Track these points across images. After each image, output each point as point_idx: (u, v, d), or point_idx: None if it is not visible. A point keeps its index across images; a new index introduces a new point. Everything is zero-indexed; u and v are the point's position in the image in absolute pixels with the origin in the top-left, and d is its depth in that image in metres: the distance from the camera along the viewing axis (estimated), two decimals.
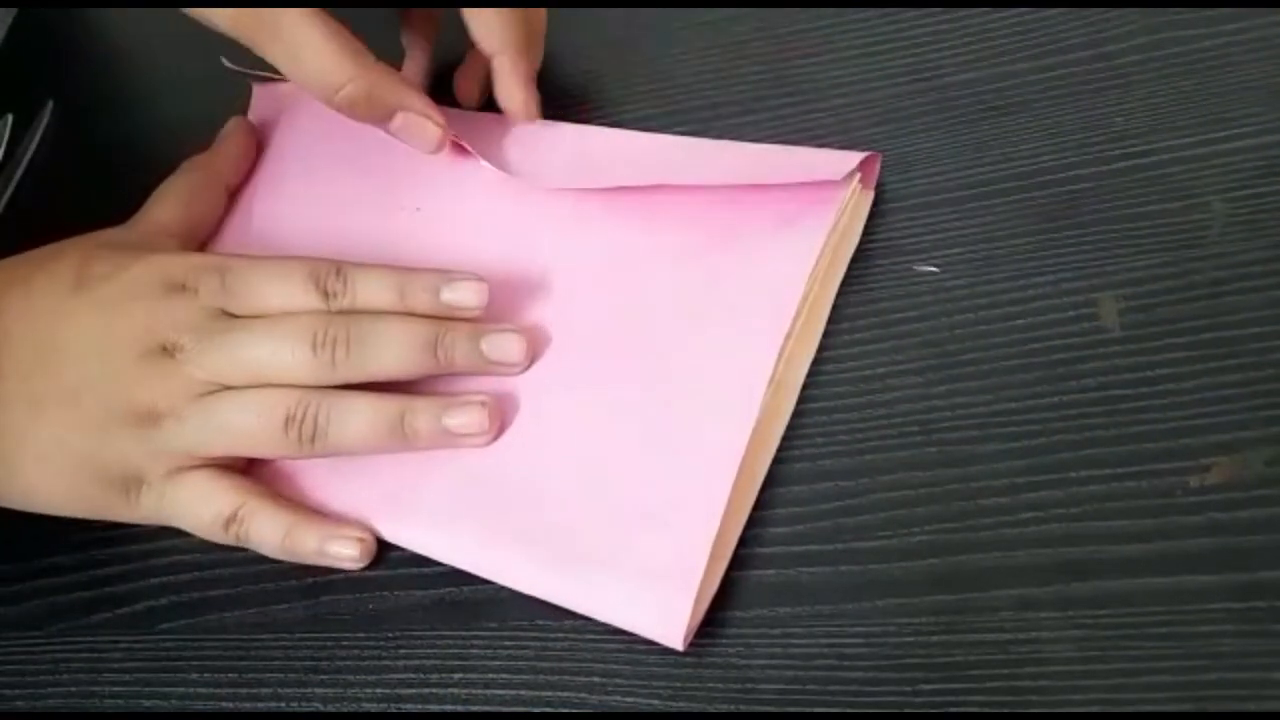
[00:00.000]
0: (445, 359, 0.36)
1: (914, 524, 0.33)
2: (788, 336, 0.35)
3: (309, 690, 0.34)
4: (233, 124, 0.45)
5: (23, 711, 0.35)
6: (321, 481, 0.37)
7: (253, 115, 0.46)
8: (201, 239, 0.42)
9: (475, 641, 0.34)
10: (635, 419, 0.35)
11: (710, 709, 0.31)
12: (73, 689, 0.35)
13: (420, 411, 0.35)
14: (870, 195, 0.39)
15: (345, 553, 0.35)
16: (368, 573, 0.36)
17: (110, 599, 0.37)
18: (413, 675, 0.34)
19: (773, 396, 0.35)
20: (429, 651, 0.34)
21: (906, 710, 0.30)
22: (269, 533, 0.35)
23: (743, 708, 0.31)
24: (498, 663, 0.33)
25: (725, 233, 0.38)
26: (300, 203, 0.43)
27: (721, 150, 0.40)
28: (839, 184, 0.37)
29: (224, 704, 0.34)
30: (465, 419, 0.35)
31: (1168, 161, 0.38)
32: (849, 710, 0.31)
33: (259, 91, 0.47)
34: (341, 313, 0.36)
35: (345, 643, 0.35)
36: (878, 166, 0.39)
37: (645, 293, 0.38)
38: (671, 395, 0.35)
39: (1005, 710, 0.30)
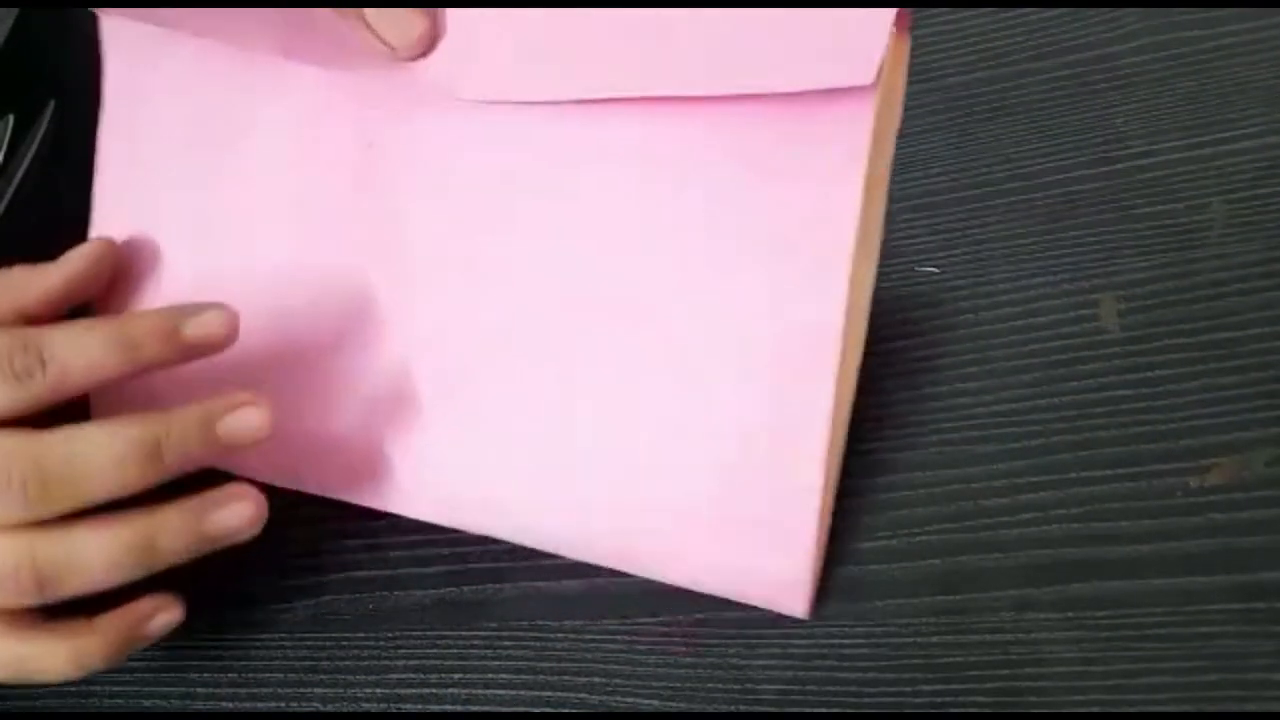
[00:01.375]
0: (175, 460, 0.30)
1: (914, 524, 0.33)
2: (853, 254, 0.30)
3: (309, 690, 0.34)
4: (85, 247, 0.35)
5: (23, 711, 0.35)
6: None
7: (106, 58, 0.39)
8: None
9: (475, 641, 0.34)
10: (704, 370, 0.31)
11: (710, 709, 0.31)
12: (73, 689, 0.35)
13: (171, 530, 0.31)
14: (907, 40, 0.32)
15: (161, 624, 0.32)
16: (368, 573, 0.36)
17: (111, 599, 0.37)
18: (413, 675, 0.34)
19: (848, 330, 0.30)
20: (429, 651, 0.34)
21: (906, 710, 0.30)
22: (53, 666, 0.31)
23: (743, 708, 0.31)
24: (498, 663, 0.33)
25: (744, 141, 0.31)
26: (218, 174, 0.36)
27: (717, 27, 0.31)
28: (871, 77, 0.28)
29: (224, 704, 0.34)
30: (231, 513, 0.31)
31: (1168, 163, 0.38)
32: (849, 710, 0.31)
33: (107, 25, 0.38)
34: (39, 411, 0.30)
35: (345, 643, 0.35)
36: (908, 16, 0.31)
37: (662, 224, 0.32)
38: (737, 345, 0.31)
39: (1005, 710, 0.30)
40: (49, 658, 0.31)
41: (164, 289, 0.36)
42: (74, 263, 0.35)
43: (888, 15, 0.28)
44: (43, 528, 0.30)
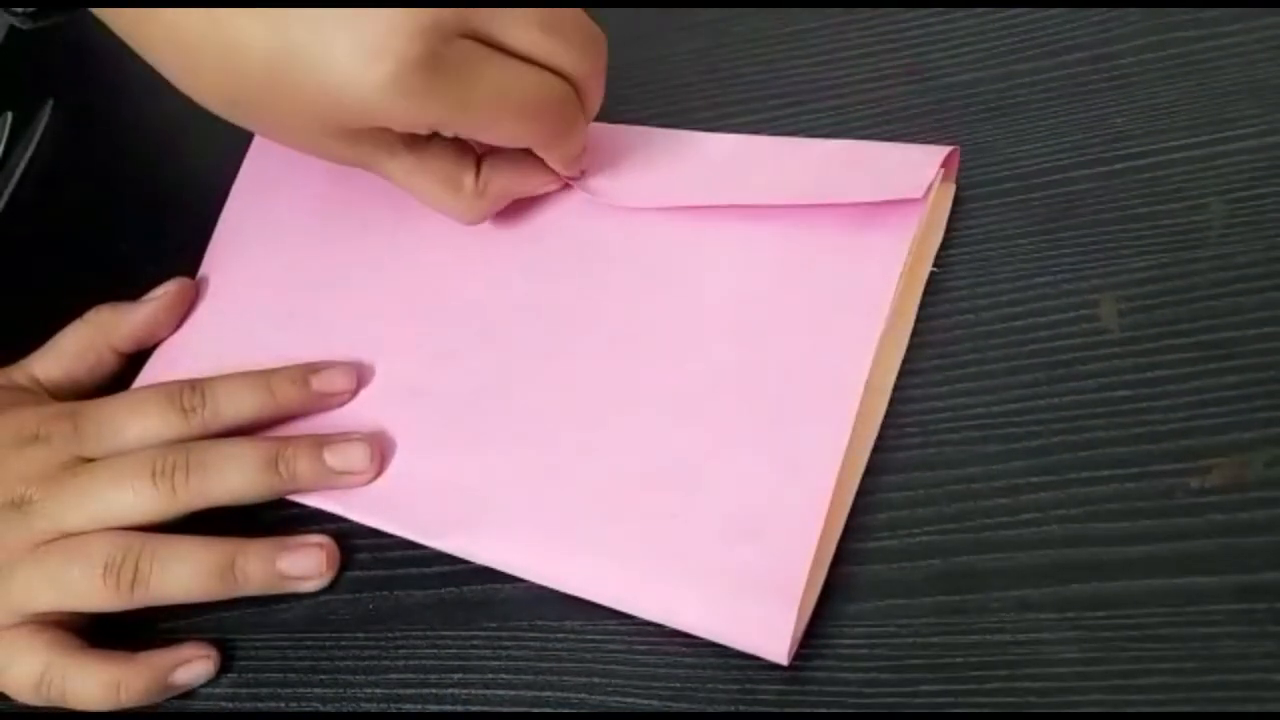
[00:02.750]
0: (288, 474, 0.35)
1: (914, 524, 0.33)
2: (880, 340, 0.34)
3: (309, 690, 0.34)
4: (168, 287, 0.41)
5: (23, 711, 0.35)
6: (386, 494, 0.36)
7: (248, 163, 0.44)
8: (82, 395, 0.39)
9: (475, 641, 0.34)
10: (722, 425, 0.34)
11: (710, 709, 0.31)
12: None
13: (252, 555, 0.34)
14: (952, 187, 0.38)
15: (197, 672, 0.34)
16: (368, 573, 0.36)
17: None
18: (413, 675, 0.34)
19: (866, 400, 0.34)
20: (429, 651, 0.34)
21: (906, 710, 0.30)
22: (87, 690, 0.33)
23: (743, 708, 0.31)
24: (498, 663, 0.33)
25: (804, 234, 0.37)
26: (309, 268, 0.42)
27: (788, 152, 0.39)
28: (921, 192, 0.36)
29: (224, 704, 0.34)
30: (300, 558, 0.35)
31: (1168, 163, 0.38)
32: (849, 710, 0.31)
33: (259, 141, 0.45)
34: (193, 438, 0.35)
35: (345, 643, 0.35)
36: (957, 159, 0.38)
37: (719, 296, 0.37)
38: (760, 402, 0.35)
39: (1005, 710, 0.30)
40: (89, 680, 0.33)
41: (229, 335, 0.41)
42: (156, 302, 0.40)
43: (941, 151, 0.37)
44: (151, 535, 0.34)
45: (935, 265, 0.37)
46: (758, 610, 0.31)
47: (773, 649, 0.31)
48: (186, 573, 0.34)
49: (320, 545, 0.35)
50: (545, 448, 0.35)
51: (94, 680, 0.33)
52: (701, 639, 0.32)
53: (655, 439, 0.35)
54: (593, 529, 0.34)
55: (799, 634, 0.31)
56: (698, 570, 0.32)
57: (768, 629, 0.31)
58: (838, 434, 0.33)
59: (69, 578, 0.33)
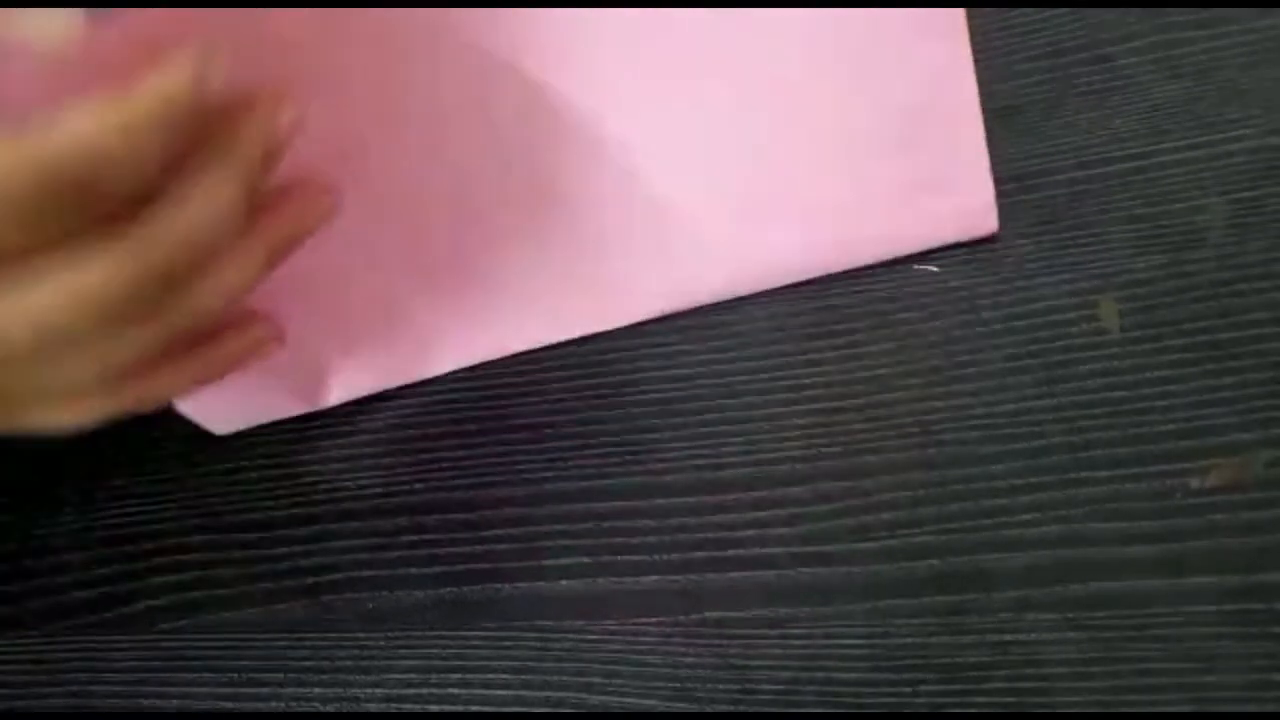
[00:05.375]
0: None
1: (914, 524, 0.33)
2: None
3: (309, 690, 0.34)
4: None
5: (23, 711, 0.35)
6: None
7: None
8: None
9: (475, 641, 0.34)
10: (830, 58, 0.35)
11: (710, 709, 0.31)
12: (73, 689, 0.35)
13: None
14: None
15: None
16: (368, 572, 0.36)
17: (110, 599, 0.37)
18: (413, 675, 0.34)
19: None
20: (429, 651, 0.34)
21: (906, 710, 0.30)
22: None
23: (743, 708, 0.31)
24: (498, 663, 0.33)
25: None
26: None
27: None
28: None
29: (224, 704, 0.34)
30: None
31: (1168, 163, 0.38)
32: (849, 710, 0.31)
33: None
34: None
35: (345, 643, 0.35)
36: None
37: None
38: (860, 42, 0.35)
39: (1005, 710, 0.30)
40: None
41: None
42: None
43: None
44: None
45: (935, 265, 0.37)
46: (959, 201, 0.37)
47: (984, 224, 0.37)
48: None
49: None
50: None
51: None
52: (703, 639, 0.32)
53: (812, 99, 0.36)
54: (786, 199, 0.37)
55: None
56: (893, 193, 0.36)
57: (974, 210, 0.37)
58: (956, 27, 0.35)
59: None
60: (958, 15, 0.35)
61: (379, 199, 0.35)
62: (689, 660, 0.32)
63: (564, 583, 0.35)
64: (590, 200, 0.36)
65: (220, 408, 0.39)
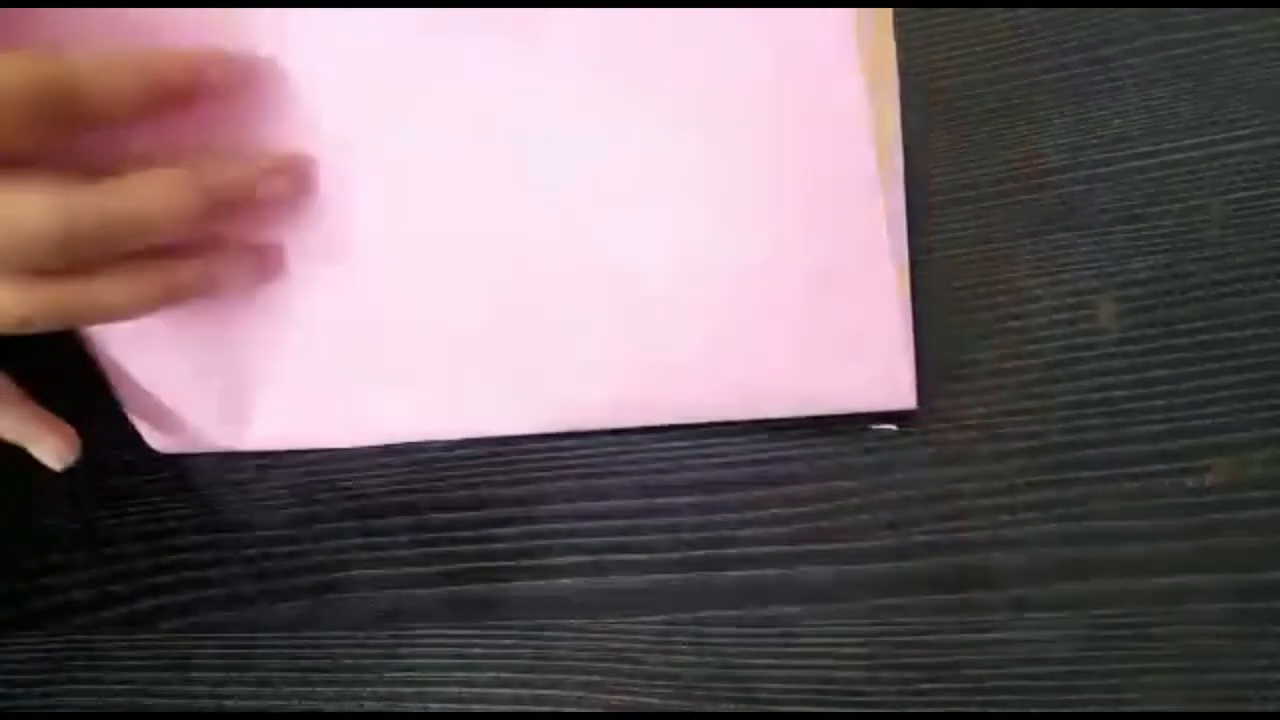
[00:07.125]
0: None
1: (914, 524, 0.33)
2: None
3: (309, 690, 0.34)
4: None
5: (23, 711, 0.35)
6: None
7: None
8: None
9: (475, 641, 0.34)
10: (744, 215, 0.32)
11: (710, 709, 0.31)
12: (73, 689, 0.35)
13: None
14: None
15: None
16: (368, 572, 0.36)
17: (111, 599, 0.37)
18: (413, 675, 0.34)
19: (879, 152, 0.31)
20: (429, 651, 0.34)
21: (906, 710, 0.30)
22: None
23: (743, 708, 0.31)
24: (498, 662, 0.33)
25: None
26: None
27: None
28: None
29: (224, 704, 0.35)
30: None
31: (1167, 163, 0.38)
32: (849, 710, 0.31)
33: None
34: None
35: (345, 642, 0.35)
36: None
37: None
38: (769, 190, 0.32)
39: (1005, 710, 0.30)
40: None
41: None
42: None
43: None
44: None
45: (894, 425, 0.36)
46: (871, 366, 0.34)
47: (900, 398, 0.34)
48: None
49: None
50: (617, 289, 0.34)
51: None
52: (703, 640, 0.32)
53: (713, 254, 0.33)
54: (687, 352, 0.34)
55: (915, 376, 0.34)
56: (803, 359, 0.34)
57: (890, 381, 0.34)
58: (866, 182, 0.30)
59: None
60: (871, 171, 0.30)
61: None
62: (689, 660, 0.32)
63: (565, 582, 0.35)
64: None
65: (162, 424, 0.39)
